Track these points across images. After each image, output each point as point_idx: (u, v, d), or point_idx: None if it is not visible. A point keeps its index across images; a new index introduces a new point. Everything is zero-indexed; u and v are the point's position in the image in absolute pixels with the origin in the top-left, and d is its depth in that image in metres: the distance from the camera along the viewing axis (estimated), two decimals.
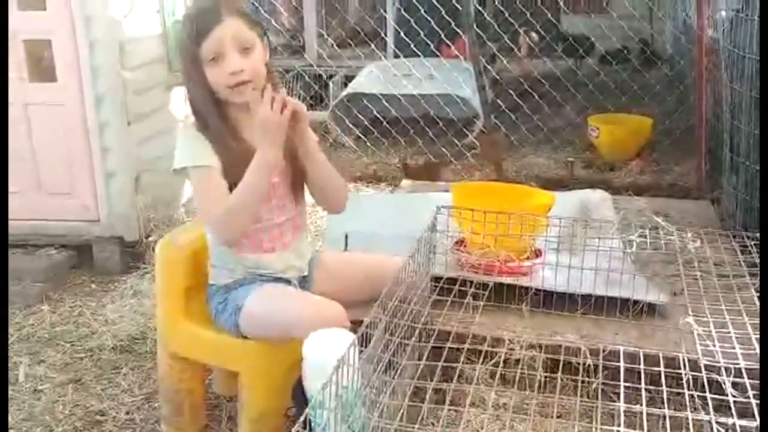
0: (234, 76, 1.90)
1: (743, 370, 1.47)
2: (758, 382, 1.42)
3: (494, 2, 5.61)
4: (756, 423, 1.34)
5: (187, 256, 2.21)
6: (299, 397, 1.77)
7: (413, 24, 5.47)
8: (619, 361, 1.67)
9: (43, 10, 3.24)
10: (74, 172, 3.40)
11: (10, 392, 2.53)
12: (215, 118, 1.96)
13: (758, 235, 2.06)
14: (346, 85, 5.75)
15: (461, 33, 5.14)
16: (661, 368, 1.60)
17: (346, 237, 2.87)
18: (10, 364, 2.70)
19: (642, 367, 1.61)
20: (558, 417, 1.82)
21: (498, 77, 5.60)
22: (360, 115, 5.39)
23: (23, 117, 3.34)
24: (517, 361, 1.96)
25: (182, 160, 1.99)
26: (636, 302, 2.23)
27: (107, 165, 3.38)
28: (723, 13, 3.70)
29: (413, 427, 1.44)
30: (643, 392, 1.50)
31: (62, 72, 3.30)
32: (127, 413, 2.44)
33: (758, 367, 1.49)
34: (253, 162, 1.89)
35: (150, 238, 3.43)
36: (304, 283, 2.13)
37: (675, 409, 1.43)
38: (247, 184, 1.90)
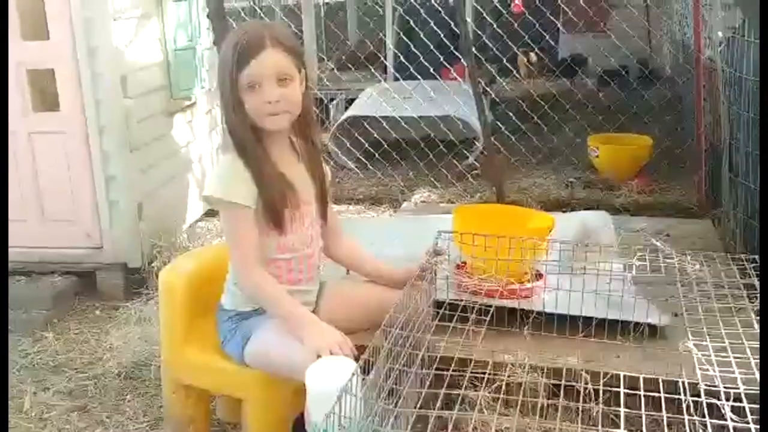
0: (270, 105, 1.93)
1: (743, 395, 1.48)
2: (758, 406, 1.43)
3: (492, 25, 5.66)
4: None
5: (190, 283, 2.23)
6: None
7: (412, 47, 5.52)
8: (619, 386, 1.68)
9: (47, 40, 3.28)
10: (77, 200, 3.44)
11: (16, 420, 2.53)
12: (253, 144, 1.97)
13: (756, 257, 2.07)
14: (346, 108, 5.80)
15: (460, 56, 5.18)
16: (662, 393, 1.61)
17: None
18: (15, 392, 2.70)
19: (642, 392, 1.62)
20: None
21: (497, 99, 5.63)
22: (361, 138, 5.42)
23: (27, 146, 3.38)
24: (519, 385, 1.97)
25: (217, 189, 1.99)
26: (636, 324, 2.24)
27: (110, 192, 3.41)
28: (720, 33, 3.74)
29: None
30: (644, 417, 1.51)
31: (65, 101, 3.34)
32: None
33: (758, 391, 1.50)
34: (297, 317, 1.95)
35: (153, 264, 3.45)
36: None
37: None
38: (285, 311, 1.97)
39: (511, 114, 5.14)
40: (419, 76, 5.35)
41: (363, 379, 1.52)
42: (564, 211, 3.69)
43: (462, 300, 2.19)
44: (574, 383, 1.94)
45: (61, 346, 3.07)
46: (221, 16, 3.68)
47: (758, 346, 1.67)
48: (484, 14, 5.96)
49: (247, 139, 1.97)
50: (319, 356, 1.78)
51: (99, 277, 3.51)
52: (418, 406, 1.60)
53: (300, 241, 2.06)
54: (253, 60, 1.90)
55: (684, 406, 1.53)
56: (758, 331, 1.76)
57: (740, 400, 1.46)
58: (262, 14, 5.76)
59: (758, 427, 1.37)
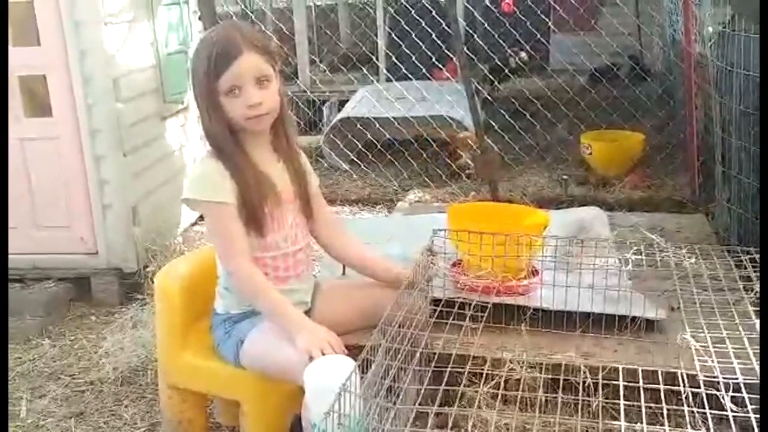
0: (252, 108, 1.94)
1: (742, 385, 1.48)
2: (757, 396, 1.43)
3: (484, 24, 5.66)
4: None
5: (185, 286, 2.22)
6: None
7: (404, 48, 5.52)
8: (618, 379, 1.68)
9: (38, 46, 3.26)
10: (71, 206, 3.42)
11: (12, 428, 2.52)
12: (232, 146, 1.99)
13: (751, 249, 2.07)
14: (339, 109, 5.79)
15: (452, 55, 5.18)
16: (661, 385, 1.61)
17: None
18: (11, 400, 2.69)
19: (641, 384, 1.62)
20: None
21: (489, 97, 5.64)
22: (354, 139, 5.42)
23: (19, 152, 3.36)
24: (518, 381, 1.97)
25: (197, 191, 2.01)
26: (634, 319, 2.24)
27: (104, 197, 3.40)
28: (710, 28, 3.75)
29: None
30: (644, 409, 1.51)
31: (57, 106, 3.32)
32: None
33: (757, 381, 1.50)
34: (287, 317, 1.94)
35: (148, 269, 3.44)
36: (306, 312, 2.13)
37: (676, 425, 1.44)
38: (274, 308, 1.96)
39: (503, 112, 5.14)
40: (411, 77, 5.35)
41: (361, 377, 1.52)
42: (558, 208, 3.70)
43: (459, 297, 2.19)
44: (572, 378, 1.94)
45: (57, 352, 3.05)
46: (213, 20, 3.68)
47: (756, 337, 1.67)
48: (475, 13, 5.96)
49: (225, 143, 1.99)
50: (311, 357, 1.77)
51: (94, 282, 3.49)
52: (417, 403, 1.59)
53: (283, 238, 2.06)
54: (231, 65, 1.91)
55: (683, 397, 1.53)
56: (756, 322, 1.77)
57: (739, 391, 1.46)
58: (253, 18, 5.75)
59: (758, 416, 1.37)
